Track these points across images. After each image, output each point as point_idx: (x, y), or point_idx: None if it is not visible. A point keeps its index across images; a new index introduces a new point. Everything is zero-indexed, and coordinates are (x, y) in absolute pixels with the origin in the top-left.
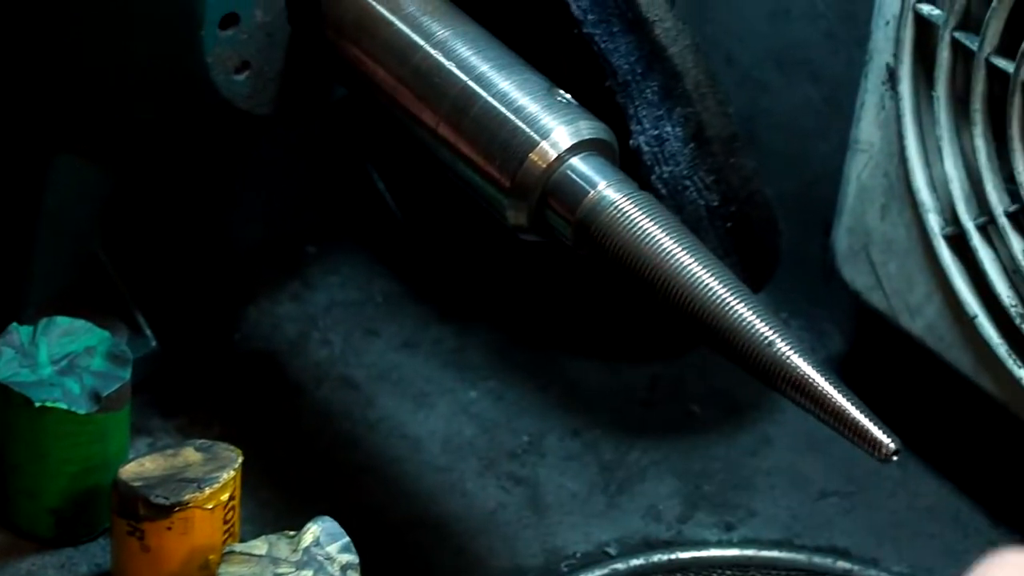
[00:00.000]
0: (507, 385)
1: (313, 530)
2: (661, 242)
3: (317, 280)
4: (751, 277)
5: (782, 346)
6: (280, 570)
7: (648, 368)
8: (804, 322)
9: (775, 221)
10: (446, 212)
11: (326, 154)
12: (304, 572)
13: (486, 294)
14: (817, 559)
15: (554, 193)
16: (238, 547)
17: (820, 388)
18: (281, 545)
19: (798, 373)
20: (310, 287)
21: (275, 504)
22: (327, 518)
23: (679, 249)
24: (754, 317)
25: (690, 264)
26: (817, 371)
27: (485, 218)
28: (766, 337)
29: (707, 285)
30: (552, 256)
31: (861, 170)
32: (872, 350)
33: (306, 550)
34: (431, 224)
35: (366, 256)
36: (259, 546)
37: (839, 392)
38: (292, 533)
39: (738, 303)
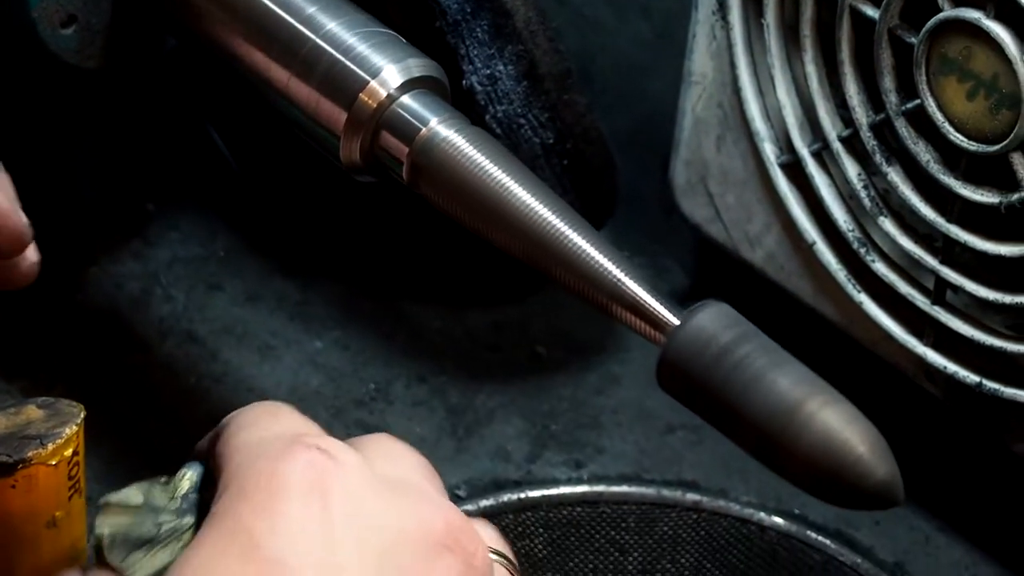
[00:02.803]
0: (352, 335)
1: (189, 476)
2: (494, 175)
3: (158, 237)
4: (590, 215)
5: (618, 273)
6: (161, 519)
7: (492, 312)
8: (645, 259)
9: (611, 157)
10: (284, 163)
11: (161, 109)
12: (186, 519)
13: (328, 246)
14: (666, 492)
15: (386, 132)
16: (113, 498)
17: (658, 314)
18: (155, 492)
19: (635, 299)
20: (151, 244)
21: (123, 461)
22: (197, 463)
23: (512, 182)
24: (588, 246)
25: (524, 195)
26: (654, 297)
27: (322, 165)
28: (601, 266)
29: (541, 216)
30: (392, 202)
31: (695, 102)
32: (714, 283)
33: (184, 496)
34: (270, 176)
35: (207, 212)
36: (134, 495)
37: (676, 316)
38: (164, 479)
39: (572, 232)
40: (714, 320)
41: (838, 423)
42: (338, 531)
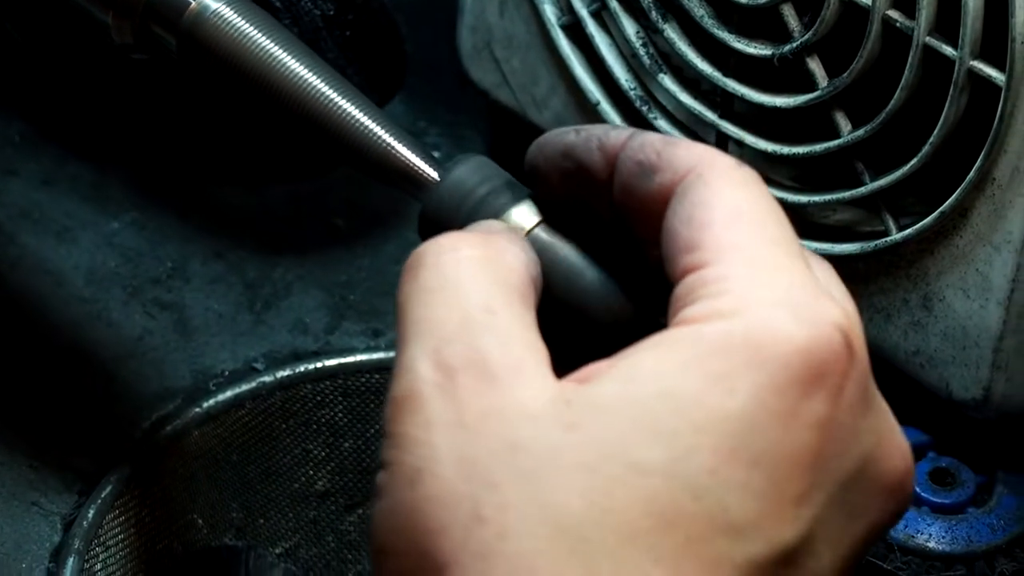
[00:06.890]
0: (149, 215)
1: None
2: (263, 47)
3: None
4: (376, 86)
5: (387, 138)
6: None
7: (291, 187)
8: (443, 128)
9: (396, 27)
10: (77, 46)
11: None
12: None
13: (123, 127)
14: None
15: (156, 8)
16: None
17: (424, 174)
18: None
19: (404, 162)
20: None
21: None
22: None
23: (282, 52)
24: (357, 112)
25: (293, 66)
26: (421, 158)
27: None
28: (371, 131)
29: (310, 85)
30: (185, 80)
31: None
32: (509, 148)
33: None
34: (63, 60)
35: (0, 98)
36: None
37: (439, 174)
38: None
39: (342, 100)
40: (471, 173)
41: (577, 259)
42: None
